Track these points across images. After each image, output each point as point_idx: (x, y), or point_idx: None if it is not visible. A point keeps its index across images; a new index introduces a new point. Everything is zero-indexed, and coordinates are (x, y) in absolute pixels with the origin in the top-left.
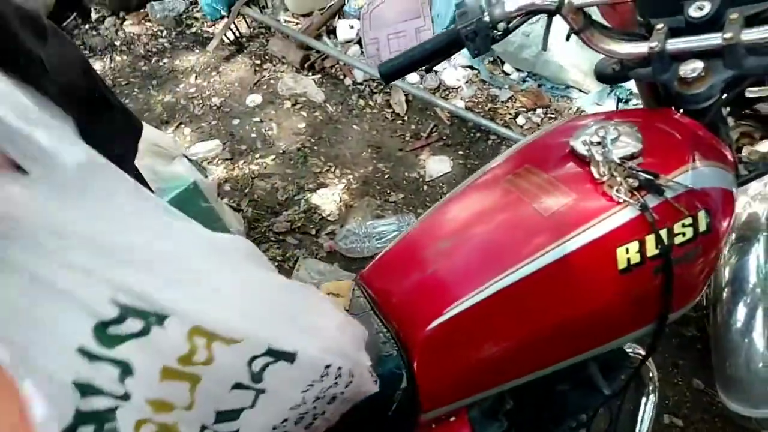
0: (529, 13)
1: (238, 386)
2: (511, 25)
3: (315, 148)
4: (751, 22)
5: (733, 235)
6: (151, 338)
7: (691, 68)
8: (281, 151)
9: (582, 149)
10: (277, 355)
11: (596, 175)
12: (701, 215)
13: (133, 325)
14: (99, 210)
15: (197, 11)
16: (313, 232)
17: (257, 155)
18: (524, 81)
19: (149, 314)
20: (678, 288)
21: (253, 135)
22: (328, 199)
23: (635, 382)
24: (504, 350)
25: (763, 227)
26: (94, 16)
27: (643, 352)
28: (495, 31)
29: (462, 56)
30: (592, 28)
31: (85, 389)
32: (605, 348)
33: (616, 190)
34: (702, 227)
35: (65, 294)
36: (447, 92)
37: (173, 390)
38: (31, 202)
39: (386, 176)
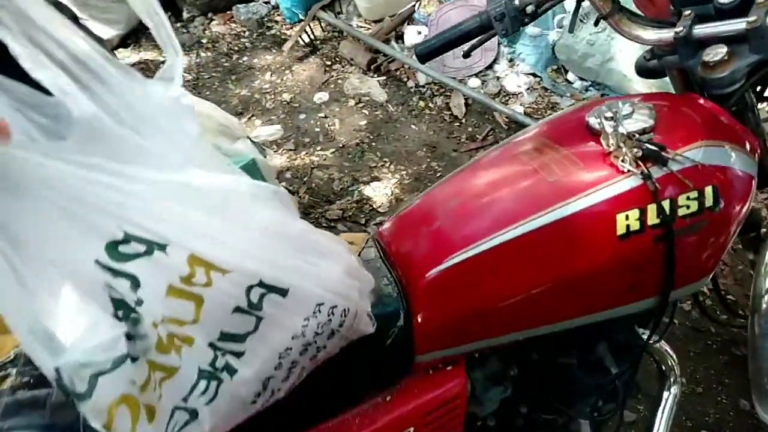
0: None
1: (238, 310)
2: (540, 9)
3: (373, 144)
4: None
5: None
6: (155, 258)
7: (715, 52)
8: (341, 145)
9: (594, 123)
10: (268, 288)
11: (604, 146)
12: (708, 190)
13: (138, 246)
14: (108, 153)
15: (278, 15)
16: (363, 222)
17: (318, 147)
18: (587, 90)
19: (151, 242)
20: (681, 263)
21: (317, 129)
22: (380, 192)
23: (658, 376)
24: (500, 302)
25: None
26: (185, 15)
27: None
28: (525, 16)
29: (525, 63)
30: (620, 13)
31: (112, 288)
32: (605, 315)
33: (622, 160)
34: (708, 202)
35: (79, 219)
36: (507, 98)
37: (180, 306)
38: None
39: (438, 174)
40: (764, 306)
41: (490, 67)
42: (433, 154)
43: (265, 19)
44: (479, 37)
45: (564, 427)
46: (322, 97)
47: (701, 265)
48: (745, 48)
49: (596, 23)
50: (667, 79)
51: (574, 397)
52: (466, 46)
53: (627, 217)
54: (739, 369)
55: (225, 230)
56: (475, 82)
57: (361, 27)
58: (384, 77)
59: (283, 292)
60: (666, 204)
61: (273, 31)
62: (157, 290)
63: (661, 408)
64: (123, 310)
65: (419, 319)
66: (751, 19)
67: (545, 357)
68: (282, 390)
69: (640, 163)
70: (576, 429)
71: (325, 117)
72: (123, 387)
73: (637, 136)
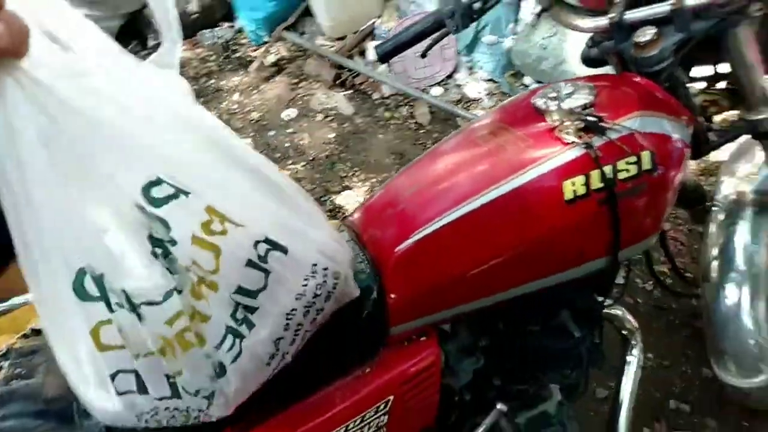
0: None
1: (250, 264)
2: (487, 5)
3: (342, 155)
4: None
5: (722, 215)
6: (181, 201)
7: (644, 34)
8: (311, 158)
9: (540, 103)
10: (273, 244)
11: (549, 122)
12: (645, 155)
13: (168, 188)
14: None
15: (243, 38)
16: None
17: (289, 162)
18: None
19: (178, 188)
20: (626, 224)
21: (287, 145)
22: (351, 200)
23: (621, 343)
24: (463, 271)
25: (749, 206)
26: (150, 42)
27: (617, 307)
28: (473, 12)
29: (484, 71)
30: (559, 5)
31: (151, 228)
32: (562, 277)
33: (566, 133)
34: (646, 166)
35: (120, 156)
36: (468, 104)
37: (202, 255)
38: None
39: None
40: (713, 274)
41: (450, 76)
42: (400, 161)
43: (231, 43)
44: (433, 36)
45: (536, 396)
46: (290, 113)
47: (645, 226)
48: (671, 28)
49: (539, 15)
50: (610, 68)
51: (542, 363)
52: (423, 47)
53: (573, 184)
54: (700, 341)
55: (237, 185)
56: (437, 90)
57: (325, 45)
58: (350, 91)
59: (284, 250)
60: (608, 169)
61: (239, 54)
62: (184, 236)
63: (626, 373)
64: (161, 249)
65: (391, 293)
66: (674, 1)
67: (512, 326)
68: (290, 353)
69: (582, 134)
70: (548, 395)
71: (294, 132)
72: (169, 319)
73: (578, 110)
